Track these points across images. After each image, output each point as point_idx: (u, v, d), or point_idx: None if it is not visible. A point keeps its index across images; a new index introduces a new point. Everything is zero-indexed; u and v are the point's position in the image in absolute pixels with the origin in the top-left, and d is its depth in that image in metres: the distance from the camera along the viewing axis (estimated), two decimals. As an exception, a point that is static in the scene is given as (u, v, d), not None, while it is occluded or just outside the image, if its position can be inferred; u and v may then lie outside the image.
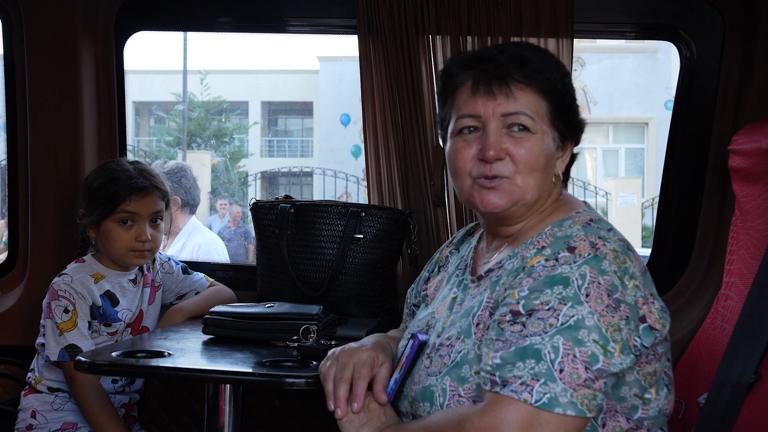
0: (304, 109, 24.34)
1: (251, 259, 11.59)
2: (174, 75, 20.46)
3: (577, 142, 1.75)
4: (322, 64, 21.38)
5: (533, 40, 2.56)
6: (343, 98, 19.57)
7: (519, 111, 1.62)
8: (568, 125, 1.70)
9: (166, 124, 22.20)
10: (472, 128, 1.65)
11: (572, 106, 1.71)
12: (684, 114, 2.69)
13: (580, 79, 18.56)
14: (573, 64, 2.58)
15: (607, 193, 17.65)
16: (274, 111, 25.02)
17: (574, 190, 17.04)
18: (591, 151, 19.73)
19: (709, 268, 2.64)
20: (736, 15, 2.55)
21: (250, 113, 23.64)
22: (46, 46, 2.78)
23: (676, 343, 2.45)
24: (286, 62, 22.67)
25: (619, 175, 19.90)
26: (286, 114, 25.16)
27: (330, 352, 1.68)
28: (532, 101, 1.63)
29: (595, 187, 17.87)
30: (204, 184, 18.62)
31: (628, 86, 19.28)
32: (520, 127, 1.62)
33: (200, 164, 18.80)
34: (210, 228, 11.65)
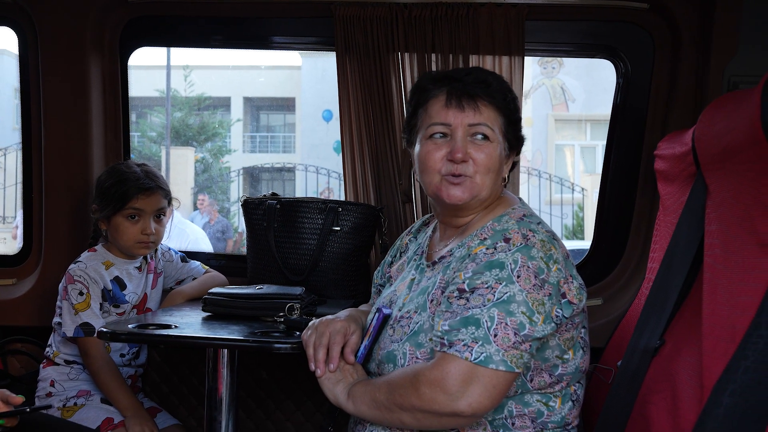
0: (287, 105, 24.16)
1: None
2: (157, 70, 20.25)
3: (518, 153, 2.07)
4: (304, 60, 21.00)
5: (489, 58, 2.83)
6: (326, 94, 19.04)
7: (482, 123, 1.94)
8: (515, 138, 2.02)
9: (149, 119, 22.03)
10: (441, 134, 1.96)
11: (518, 122, 2.04)
12: (620, 123, 2.93)
13: (558, 77, 18.63)
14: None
15: (583, 189, 17.60)
16: (257, 107, 24.78)
17: (551, 186, 17.19)
18: (570, 147, 19.83)
19: (641, 258, 2.86)
20: (663, 37, 2.82)
21: (232, 109, 23.35)
22: (59, 58, 2.96)
23: (613, 320, 2.74)
24: (268, 58, 22.47)
25: (596, 172, 19.98)
26: (269, 110, 24.85)
27: (310, 323, 1.98)
28: (492, 116, 1.95)
29: (572, 184, 17.83)
30: (187, 180, 18.55)
31: (605, 84, 19.37)
32: (482, 136, 1.94)
33: (184, 160, 18.74)
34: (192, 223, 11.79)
